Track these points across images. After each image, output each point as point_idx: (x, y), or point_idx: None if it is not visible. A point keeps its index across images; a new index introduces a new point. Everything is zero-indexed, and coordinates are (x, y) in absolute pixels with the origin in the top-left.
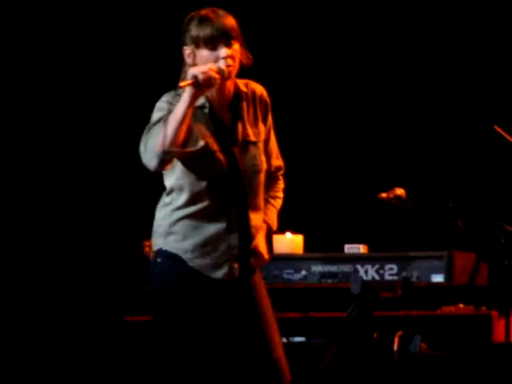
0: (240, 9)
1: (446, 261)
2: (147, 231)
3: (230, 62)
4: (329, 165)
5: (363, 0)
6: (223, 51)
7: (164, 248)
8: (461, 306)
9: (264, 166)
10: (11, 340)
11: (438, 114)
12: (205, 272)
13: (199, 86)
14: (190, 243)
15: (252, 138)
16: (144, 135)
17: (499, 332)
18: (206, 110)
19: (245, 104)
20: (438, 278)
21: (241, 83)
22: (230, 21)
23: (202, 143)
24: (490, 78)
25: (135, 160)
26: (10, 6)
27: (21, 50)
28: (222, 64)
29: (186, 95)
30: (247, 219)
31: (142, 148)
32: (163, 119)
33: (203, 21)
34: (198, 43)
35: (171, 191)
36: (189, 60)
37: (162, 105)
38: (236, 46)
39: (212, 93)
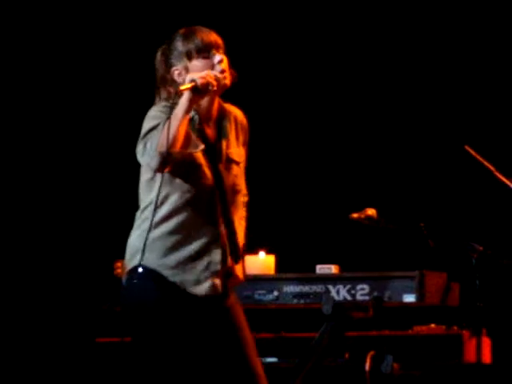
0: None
1: (418, 281)
2: (118, 252)
3: (224, 66)
4: (300, 185)
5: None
6: (217, 56)
7: (143, 264)
8: (432, 325)
9: (244, 187)
10: None
11: (409, 134)
12: (186, 288)
13: (198, 90)
14: (171, 259)
15: (235, 157)
16: (141, 139)
17: (470, 352)
18: (196, 122)
19: (229, 123)
20: (409, 298)
21: (223, 104)
22: (214, 33)
23: (202, 146)
24: (462, 98)
25: (108, 182)
26: (10, 7)
27: (22, 50)
28: (217, 69)
29: (185, 100)
30: (234, 235)
31: (140, 149)
32: (162, 123)
33: (190, 34)
34: (190, 56)
35: (148, 206)
36: (180, 78)
37: (155, 113)
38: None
39: (200, 106)
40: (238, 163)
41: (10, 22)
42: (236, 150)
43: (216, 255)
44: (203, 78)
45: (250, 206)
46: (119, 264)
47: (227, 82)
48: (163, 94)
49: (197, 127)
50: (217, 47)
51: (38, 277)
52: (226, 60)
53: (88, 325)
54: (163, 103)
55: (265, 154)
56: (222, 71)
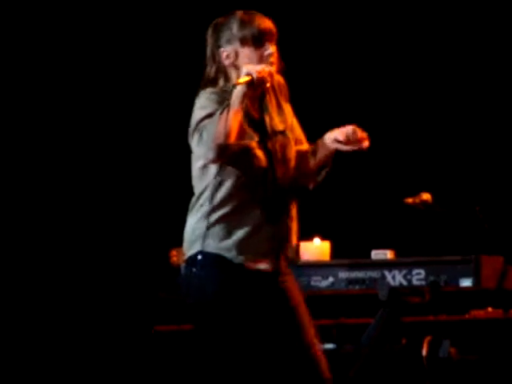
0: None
1: (474, 265)
2: (174, 240)
3: (273, 59)
4: (354, 170)
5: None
6: (269, 48)
7: (204, 250)
8: (489, 309)
9: (293, 153)
10: (42, 351)
11: (462, 118)
12: (251, 266)
13: (252, 85)
14: (232, 240)
15: (279, 127)
16: (195, 128)
17: None
18: (245, 112)
19: (267, 94)
20: (466, 283)
21: None
22: (270, 22)
23: (256, 138)
24: None
25: (161, 170)
26: (12, 9)
27: (24, 52)
28: (266, 61)
29: (240, 93)
30: (287, 210)
31: (195, 139)
32: (218, 113)
33: (248, 19)
34: (243, 42)
35: (203, 192)
36: (227, 61)
37: (204, 101)
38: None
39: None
40: (282, 132)
41: (13, 23)
42: (278, 118)
43: (273, 230)
44: (259, 72)
45: (303, 194)
46: (175, 252)
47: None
48: (210, 73)
49: (245, 115)
50: (270, 37)
51: (96, 266)
52: (275, 53)
53: (146, 313)
54: (210, 89)
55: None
56: (271, 64)
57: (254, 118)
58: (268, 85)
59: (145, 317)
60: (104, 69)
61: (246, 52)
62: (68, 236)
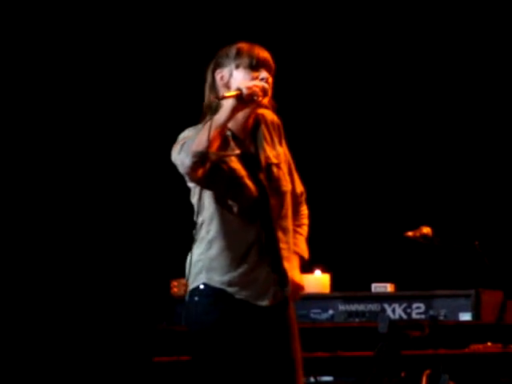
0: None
1: (474, 299)
2: (174, 271)
3: (267, 86)
4: (355, 203)
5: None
6: (264, 74)
7: (207, 283)
8: (489, 344)
9: (289, 186)
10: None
11: (464, 154)
12: (252, 301)
13: (242, 100)
14: (232, 276)
15: (273, 160)
16: (177, 143)
17: None
18: (229, 137)
19: (262, 129)
20: (465, 317)
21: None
22: (269, 55)
23: (237, 152)
24: None
25: (164, 201)
26: (16, 9)
27: (24, 52)
28: (261, 84)
29: (228, 106)
30: (276, 242)
31: (176, 149)
32: (203, 123)
33: (247, 48)
34: (238, 64)
35: (202, 225)
36: (221, 82)
37: (189, 130)
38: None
39: (237, 119)
40: (277, 165)
41: (18, 23)
42: (272, 152)
43: (271, 265)
44: (249, 88)
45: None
46: (175, 283)
47: (265, 100)
48: (209, 98)
49: (233, 141)
50: (267, 67)
51: (94, 296)
52: (271, 81)
53: (145, 344)
54: (200, 126)
55: (320, 173)
56: (264, 87)
57: (247, 149)
58: (260, 99)
59: (144, 348)
60: (106, 70)
61: (240, 73)
62: (68, 264)
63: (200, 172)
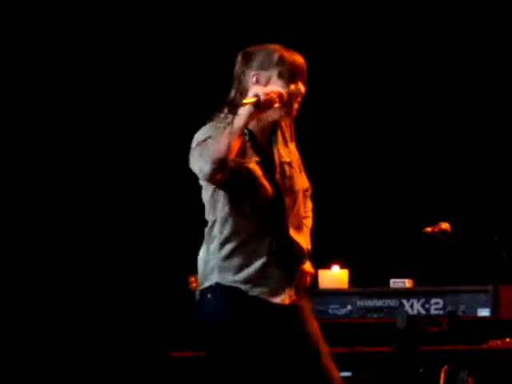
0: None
1: (492, 294)
2: (192, 267)
3: (300, 99)
4: (374, 199)
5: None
6: (302, 87)
7: (221, 282)
8: (507, 339)
9: (301, 184)
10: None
11: (483, 147)
12: (266, 298)
13: (259, 106)
14: (245, 275)
15: (286, 158)
16: (196, 146)
17: None
18: (247, 138)
19: (278, 128)
20: (484, 312)
21: None
22: (305, 63)
23: (256, 158)
24: None
25: (181, 196)
26: (17, 9)
27: (24, 52)
28: (295, 98)
29: (245, 112)
30: (290, 241)
31: (195, 154)
32: (220, 131)
33: (289, 55)
34: (280, 74)
35: (214, 223)
36: (253, 83)
37: (207, 128)
38: None
39: (257, 121)
40: (289, 163)
41: (19, 23)
42: (285, 149)
43: (285, 264)
44: (267, 94)
45: (323, 222)
46: (193, 278)
47: (294, 113)
48: (231, 94)
49: (250, 142)
50: (302, 77)
51: (115, 291)
52: (304, 91)
53: (162, 339)
54: (214, 122)
55: (339, 167)
56: (298, 102)
57: (264, 149)
58: (277, 105)
59: (161, 343)
60: (109, 69)
61: (279, 82)
62: (87, 259)
63: (219, 177)
